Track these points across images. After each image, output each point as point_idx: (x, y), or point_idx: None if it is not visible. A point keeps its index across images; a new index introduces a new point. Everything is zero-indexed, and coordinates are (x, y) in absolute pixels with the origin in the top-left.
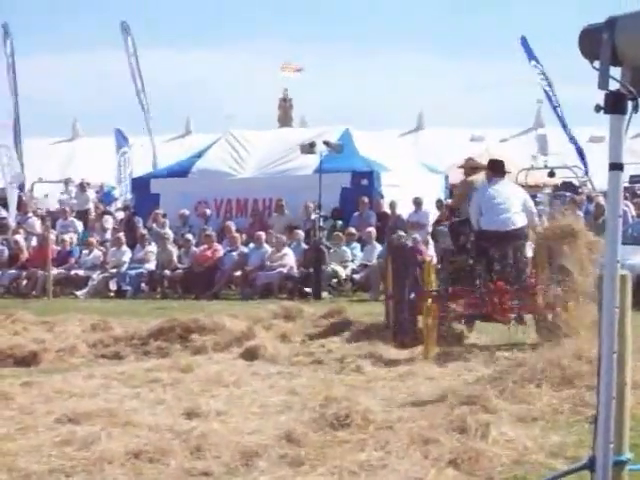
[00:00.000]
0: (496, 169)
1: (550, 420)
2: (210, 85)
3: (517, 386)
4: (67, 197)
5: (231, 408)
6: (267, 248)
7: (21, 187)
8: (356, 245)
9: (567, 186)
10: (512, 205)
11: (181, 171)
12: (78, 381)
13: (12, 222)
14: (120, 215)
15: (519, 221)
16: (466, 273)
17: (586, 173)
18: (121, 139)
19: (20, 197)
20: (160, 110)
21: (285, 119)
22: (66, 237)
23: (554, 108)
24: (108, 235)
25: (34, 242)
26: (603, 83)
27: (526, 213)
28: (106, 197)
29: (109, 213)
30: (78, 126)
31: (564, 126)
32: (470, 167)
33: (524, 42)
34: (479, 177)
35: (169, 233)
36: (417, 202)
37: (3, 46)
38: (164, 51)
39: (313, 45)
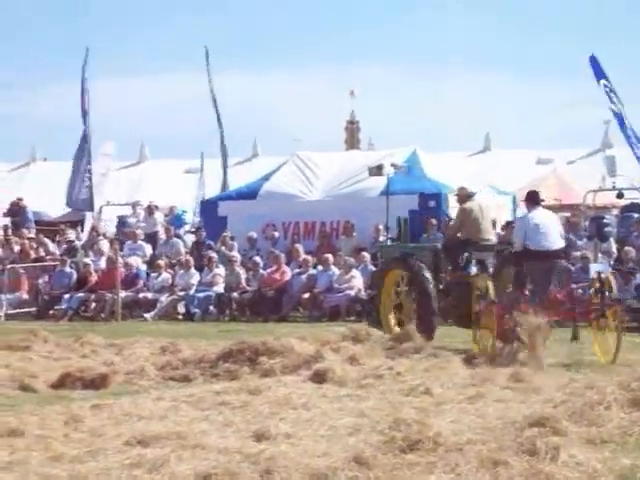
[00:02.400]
0: (533, 199)
1: (620, 442)
2: (276, 108)
3: (587, 408)
4: (135, 220)
5: (300, 430)
6: (335, 270)
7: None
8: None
9: (635, 207)
10: (553, 229)
11: (249, 194)
12: (147, 404)
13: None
14: (190, 238)
15: (561, 243)
16: (462, 287)
17: None
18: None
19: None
20: (228, 133)
21: (352, 141)
22: (134, 260)
23: (623, 129)
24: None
25: (103, 265)
26: None
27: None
28: (176, 220)
29: (179, 236)
30: (146, 149)
31: (633, 147)
32: (465, 195)
33: (593, 60)
34: (474, 204)
35: (237, 256)
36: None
37: (81, 69)
38: (230, 74)
39: (379, 67)
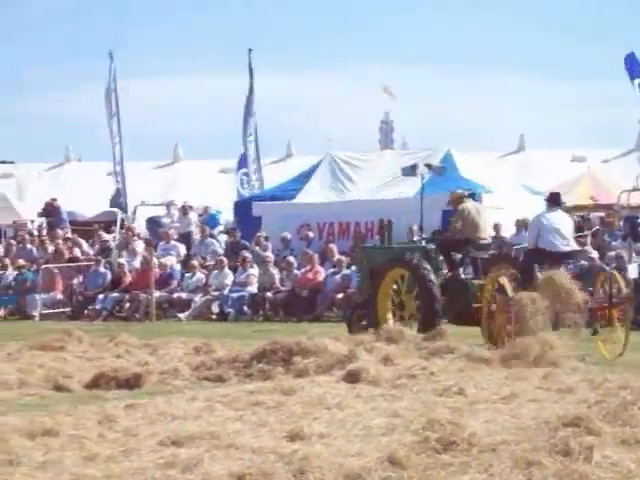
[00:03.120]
0: (554, 200)
1: None
2: (311, 108)
3: (621, 408)
4: (169, 220)
5: (334, 430)
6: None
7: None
8: None
9: None
10: (566, 232)
11: (283, 194)
12: (181, 404)
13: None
14: (224, 238)
15: (573, 245)
16: (458, 284)
17: None
18: (243, 160)
19: (123, 220)
20: (262, 133)
21: (386, 141)
22: (168, 260)
23: None
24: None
25: (137, 265)
26: None
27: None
28: (210, 220)
29: (213, 236)
30: (179, 149)
31: None
32: (457, 198)
33: (629, 59)
34: (468, 204)
35: (271, 256)
36: (519, 224)
37: (107, 71)
38: (264, 73)
39: (413, 67)
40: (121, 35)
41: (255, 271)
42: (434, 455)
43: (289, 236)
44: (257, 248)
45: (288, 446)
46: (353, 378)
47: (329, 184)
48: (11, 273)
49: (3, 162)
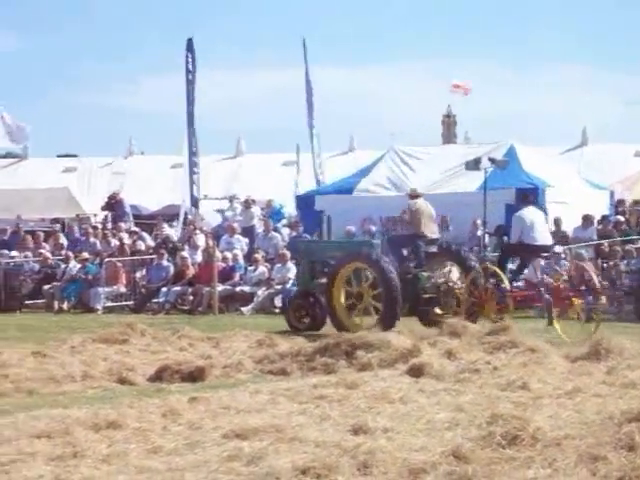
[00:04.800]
0: (526, 199)
1: None
2: (373, 101)
3: None
4: (232, 214)
5: (397, 424)
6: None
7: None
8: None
9: None
10: (544, 226)
11: (346, 188)
12: (245, 397)
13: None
14: (286, 232)
15: (550, 239)
16: (408, 279)
17: None
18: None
19: (186, 214)
20: (325, 126)
21: (449, 135)
22: (230, 253)
23: None
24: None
25: (199, 258)
26: None
27: None
28: (275, 214)
29: (276, 230)
30: (242, 143)
31: None
32: (415, 195)
33: None
34: (419, 201)
35: None
36: (587, 219)
37: (184, 61)
38: (327, 67)
39: (475, 61)
40: (185, 30)
41: None
42: (498, 450)
43: (353, 229)
44: None
45: (352, 440)
46: (416, 372)
47: (391, 178)
48: (74, 266)
49: (66, 156)
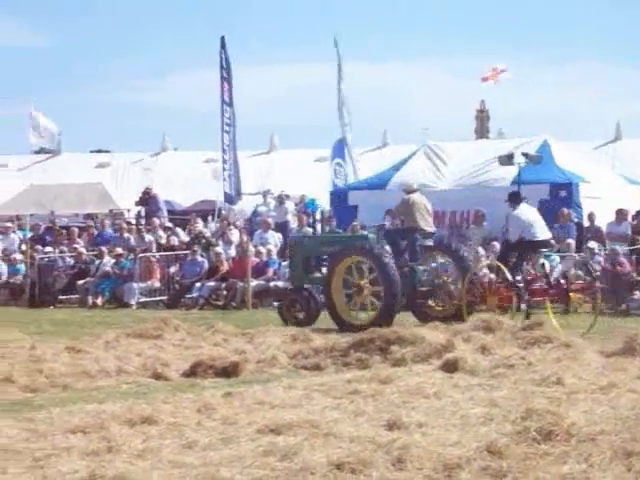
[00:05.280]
0: (515, 198)
1: None
2: (406, 97)
3: None
4: (266, 209)
5: (432, 419)
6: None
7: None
8: (555, 257)
9: None
10: (541, 222)
11: (379, 183)
12: (279, 392)
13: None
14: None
15: (548, 234)
16: (405, 272)
17: None
18: (337, 150)
19: (219, 209)
20: (358, 121)
21: (482, 130)
22: (264, 248)
23: None
24: None
25: (233, 253)
26: None
27: None
28: (310, 205)
29: (310, 225)
30: (275, 138)
31: None
32: (410, 190)
33: None
34: (415, 195)
35: None
36: (620, 213)
37: (219, 58)
38: (360, 63)
39: (507, 57)
40: (218, 27)
41: None
42: (533, 445)
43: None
44: None
45: (386, 435)
46: (451, 367)
47: (425, 173)
48: (109, 261)
49: (100, 151)
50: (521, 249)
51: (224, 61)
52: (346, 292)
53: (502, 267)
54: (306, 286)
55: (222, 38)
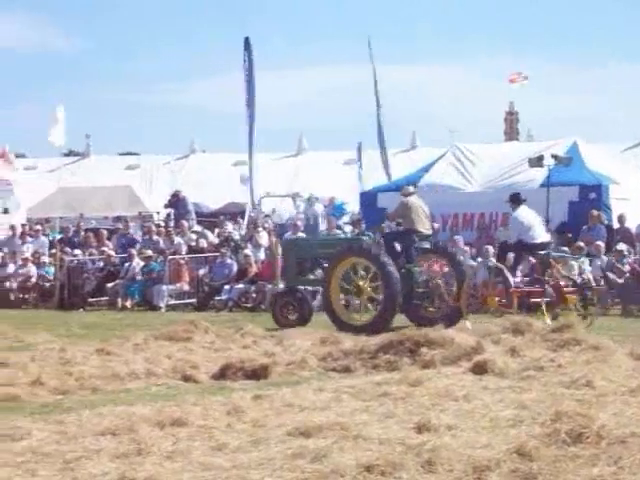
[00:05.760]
0: (517, 199)
1: None
2: (435, 99)
3: None
4: (295, 211)
5: (461, 422)
6: (494, 261)
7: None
8: (585, 259)
9: None
10: (541, 224)
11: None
12: (308, 394)
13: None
14: (349, 229)
15: (547, 237)
16: (402, 274)
17: None
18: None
19: (249, 212)
20: (387, 124)
21: (511, 132)
22: None
23: None
24: None
25: (262, 256)
26: None
27: None
28: (337, 209)
29: (339, 227)
30: (304, 141)
31: None
32: (407, 193)
33: None
34: (412, 198)
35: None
36: None
37: (242, 60)
38: (389, 65)
39: (538, 59)
40: (243, 28)
41: None
42: (563, 447)
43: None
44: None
45: (416, 437)
46: (480, 370)
47: (453, 175)
48: (138, 264)
49: (129, 154)
50: (519, 251)
51: (247, 63)
52: (346, 291)
53: (502, 268)
54: (299, 288)
55: (246, 39)
